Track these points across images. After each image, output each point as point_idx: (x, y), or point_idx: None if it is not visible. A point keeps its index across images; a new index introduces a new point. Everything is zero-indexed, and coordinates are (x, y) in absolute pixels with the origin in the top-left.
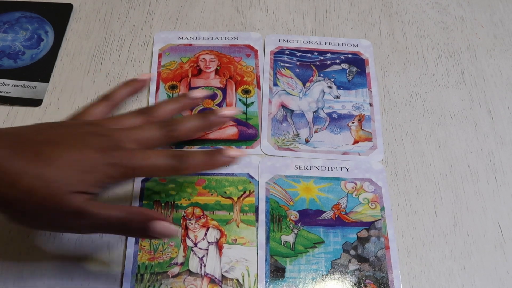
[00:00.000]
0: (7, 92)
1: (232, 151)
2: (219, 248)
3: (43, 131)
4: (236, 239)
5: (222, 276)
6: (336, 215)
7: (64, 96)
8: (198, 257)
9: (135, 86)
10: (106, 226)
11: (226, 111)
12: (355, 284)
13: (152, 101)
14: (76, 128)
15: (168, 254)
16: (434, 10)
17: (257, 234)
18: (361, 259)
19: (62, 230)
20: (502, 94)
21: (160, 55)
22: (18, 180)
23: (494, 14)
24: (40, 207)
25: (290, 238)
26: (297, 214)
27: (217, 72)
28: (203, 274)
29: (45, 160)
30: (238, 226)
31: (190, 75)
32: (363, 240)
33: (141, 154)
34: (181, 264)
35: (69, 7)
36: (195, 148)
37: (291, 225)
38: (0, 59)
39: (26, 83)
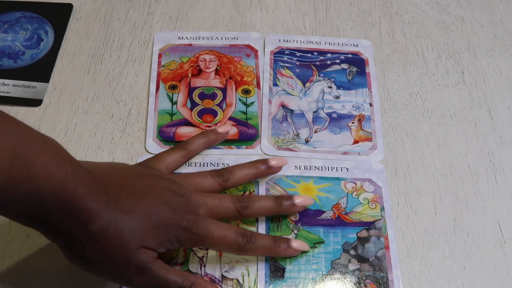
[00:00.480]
0: (7, 92)
1: (296, 242)
2: None
3: (125, 176)
4: None
5: (222, 276)
6: (336, 215)
7: (64, 96)
8: (198, 257)
9: (214, 138)
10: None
11: (301, 200)
12: (355, 284)
13: (152, 101)
14: (156, 181)
15: (168, 254)
16: (434, 10)
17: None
18: (361, 259)
19: (118, 281)
20: (502, 94)
21: (160, 55)
22: (92, 220)
23: (494, 14)
24: (106, 253)
25: (290, 238)
26: (297, 214)
27: (217, 72)
28: (203, 274)
29: (124, 207)
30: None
31: (190, 75)
32: (363, 240)
33: (215, 224)
34: (181, 264)
35: (69, 7)
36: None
37: (291, 225)
38: (0, 59)
39: (26, 83)
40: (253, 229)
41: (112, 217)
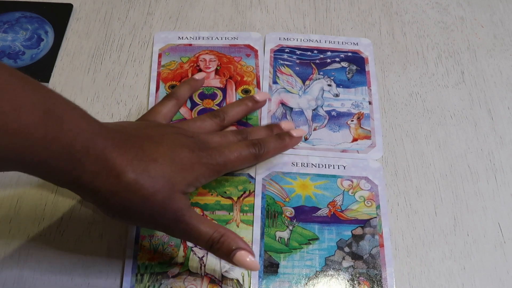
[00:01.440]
0: None
1: (295, 131)
2: None
3: (140, 129)
4: None
5: (222, 276)
6: (332, 212)
7: (64, 96)
8: (198, 257)
9: (194, 84)
10: (195, 238)
11: (298, 132)
12: (348, 281)
13: (152, 100)
14: (165, 129)
15: (168, 254)
16: (434, 10)
17: (252, 230)
18: (355, 256)
19: (157, 228)
20: (502, 94)
21: (160, 55)
22: (125, 172)
23: (494, 14)
24: (145, 202)
25: (285, 234)
26: (293, 210)
27: (217, 72)
28: (203, 274)
29: (150, 156)
30: (238, 226)
31: (190, 75)
32: (357, 238)
33: (227, 149)
34: (181, 264)
35: (69, 7)
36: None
37: (286, 222)
38: (0, 59)
39: None
40: (249, 229)
41: (143, 166)
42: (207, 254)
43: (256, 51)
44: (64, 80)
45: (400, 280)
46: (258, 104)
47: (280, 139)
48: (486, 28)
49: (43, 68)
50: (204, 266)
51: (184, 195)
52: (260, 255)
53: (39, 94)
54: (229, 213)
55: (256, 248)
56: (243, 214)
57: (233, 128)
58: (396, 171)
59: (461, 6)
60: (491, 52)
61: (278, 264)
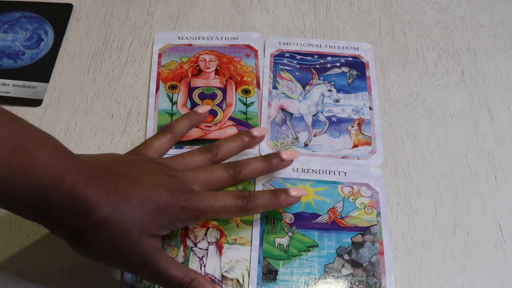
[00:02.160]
0: (7, 92)
1: (295, 190)
2: (219, 248)
3: (120, 164)
4: (236, 239)
5: (222, 276)
6: (332, 219)
7: (64, 96)
8: (198, 257)
9: (195, 119)
10: (164, 281)
11: (286, 155)
12: None
13: (152, 100)
14: (148, 166)
15: (168, 254)
16: (434, 10)
17: (251, 236)
18: (355, 264)
19: (124, 269)
20: (502, 94)
21: (160, 55)
22: (94, 211)
23: (494, 14)
24: (111, 242)
25: (284, 240)
26: (292, 217)
27: (217, 72)
28: (203, 274)
29: (123, 195)
30: (238, 226)
31: (190, 75)
32: (357, 245)
33: (211, 196)
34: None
35: (69, 7)
36: (195, 147)
37: (285, 228)
38: (0, 59)
39: (26, 83)
40: (249, 229)
41: (114, 205)
42: (207, 254)
43: (256, 51)
44: (64, 80)
45: (400, 280)
46: (255, 140)
47: (274, 195)
48: (486, 28)
49: (43, 68)
50: (204, 266)
51: (154, 238)
52: (259, 262)
53: (9, 129)
54: None
55: (255, 255)
56: None
57: (234, 129)
58: (396, 171)
59: (461, 6)
60: (491, 52)
61: (277, 271)
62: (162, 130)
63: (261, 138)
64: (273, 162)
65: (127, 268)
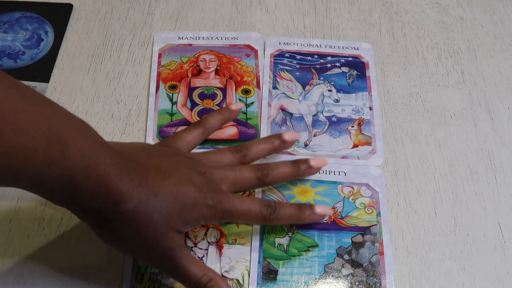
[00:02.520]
0: None
1: (320, 207)
2: (219, 248)
3: (151, 156)
4: (236, 239)
5: (222, 276)
6: (332, 219)
7: (64, 96)
8: (198, 257)
9: (227, 115)
10: (183, 278)
11: (315, 162)
12: None
13: (152, 101)
14: (179, 160)
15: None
16: (434, 10)
17: (251, 236)
18: (355, 264)
19: (146, 260)
20: (502, 94)
21: (160, 55)
22: (123, 201)
23: (494, 14)
24: (137, 234)
25: (284, 240)
26: None
27: (217, 72)
28: None
29: (153, 188)
30: (238, 226)
31: (190, 75)
32: (357, 245)
33: (238, 199)
34: None
35: (69, 7)
36: (195, 148)
37: (285, 228)
38: (0, 59)
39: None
40: (249, 229)
41: (143, 198)
42: (207, 254)
43: (256, 51)
44: (64, 80)
45: (400, 280)
46: (286, 144)
47: (299, 210)
48: (486, 28)
49: (43, 68)
50: None
51: (179, 234)
52: (259, 262)
53: (45, 115)
54: None
55: (255, 255)
56: None
57: (234, 129)
58: (396, 171)
59: (461, 6)
60: (491, 52)
61: (277, 271)
62: (195, 123)
63: (292, 142)
64: (301, 168)
65: (149, 261)
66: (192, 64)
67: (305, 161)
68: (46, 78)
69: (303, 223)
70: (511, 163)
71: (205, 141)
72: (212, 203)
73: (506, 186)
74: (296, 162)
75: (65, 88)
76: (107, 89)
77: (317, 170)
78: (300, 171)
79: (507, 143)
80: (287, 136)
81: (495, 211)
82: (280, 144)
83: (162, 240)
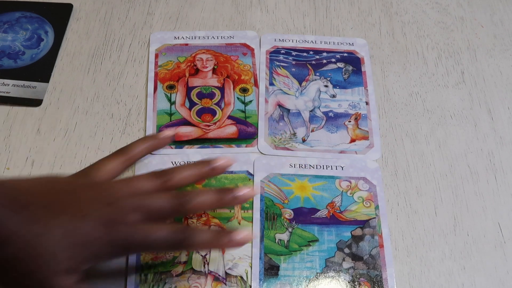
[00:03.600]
0: (7, 92)
1: (239, 234)
2: None
3: (50, 192)
4: None
5: (226, 273)
6: (331, 214)
7: (64, 96)
8: (201, 255)
9: (155, 143)
10: None
11: (245, 192)
12: (349, 282)
13: (150, 101)
14: (84, 192)
15: (171, 253)
16: (434, 10)
17: (252, 232)
18: (355, 257)
19: None
20: (502, 94)
21: (156, 55)
22: (6, 244)
23: (494, 14)
24: (22, 278)
25: (284, 236)
26: (292, 212)
27: (214, 71)
28: (206, 272)
29: (43, 227)
30: (239, 224)
31: (187, 74)
32: (357, 239)
33: (145, 229)
34: (185, 262)
35: (69, 7)
36: (195, 148)
37: (285, 223)
38: (0, 59)
39: (26, 83)
40: (250, 226)
41: (29, 238)
42: (209, 252)
43: (252, 50)
44: (64, 80)
45: (400, 280)
46: (216, 171)
47: (217, 236)
48: (486, 28)
49: (43, 68)
50: (208, 264)
51: (72, 274)
52: (260, 258)
53: None
54: (230, 211)
55: (256, 251)
56: (244, 212)
57: (233, 128)
58: (396, 171)
59: (461, 6)
60: (491, 52)
61: (279, 266)
62: (117, 151)
63: (224, 169)
64: (227, 197)
65: None
66: (189, 63)
67: (231, 190)
68: (46, 78)
69: (223, 249)
70: (511, 163)
71: (204, 140)
72: (114, 237)
73: (506, 186)
74: (222, 191)
75: (65, 88)
76: (107, 89)
77: (243, 201)
78: (226, 201)
79: (507, 143)
80: (218, 163)
81: (495, 211)
82: (209, 170)
83: (50, 283)
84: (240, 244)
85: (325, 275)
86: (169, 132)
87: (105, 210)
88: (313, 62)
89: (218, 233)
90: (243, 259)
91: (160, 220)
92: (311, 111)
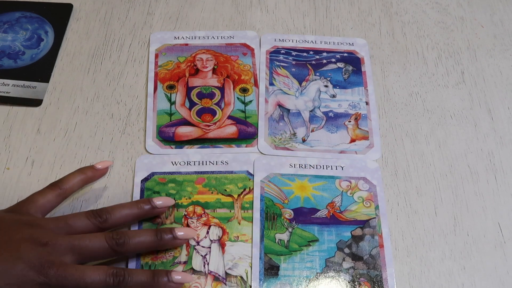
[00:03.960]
0: (7, 92)
1: (177, 275)
2: (222, 245)
3: None
4: (238, 236)
5: (226, 273)
6: (331, 214)
7: (64, 96)
8: (201, 255)
9: (91, 175)
10: None
11: (183, 233)
12: (349, 282)
13: (150, 101)
14: (15, 232)
15: (171, 253)
16: (434, 10)
17: (252, 232)
18: (355, 257)
19: None
20: (502, 94)
21: (156, 55)
22: None
23: (494, 14)
24: None
25: (284, 236)
26: (292, 212)
27: (214, 71)
28: (206, 272)
29: None
30: (239, 223)
31: (187, 74)
32: (357, 239)
33: (78, 271)
34: (185, 262)
35: (69, 7)
36: (195, 148)
37: (285, 223)
38: (0, 59)
39: (26, 83)
40: (248, 229)
41: None
42: (209, 252)
43: (252, 50)
44: (64, 80)
45: (400, 280)
46: (156, 210)
47: (153, 277)
48: (486, 28)
49: (43, 68)
50: (208, 264)
51: None
52: (260, 258)
53: None
54: (230, 211)
55: (256, 251)
56: (244, 211)
57: (233, 128)
58: (396, 171)
59: (461, 6)
60: (491, 52)
61: (279, 266)
62: (51, 184)
63: (164, 209)
64: (165, 238)
65: None
66: (189, 63)
67: (170, 230)
68: (46, 78)
69: None
70: (511, 163)
71: (204, 141)
72: (45, 279)
73: (506, 186)
74: (159, 232)
75: (65, 88)
76: (107, 89)
77: (183, 242)
78: (163, 241)
79: (507, 143)
80: (159, 202)
81: (495, 211)
82: (149, 209)
83: None
84: (178, 285)
85: (325, 275)
86: (105, 164)
87: (39, 250)
88: (313, 62)
89: (155, 274)
90: (243, 259)
91: (97, 260)
92: (311, 111)
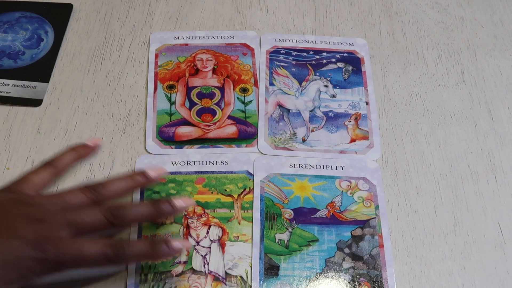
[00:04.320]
0: (7, 92)
1: (176, 242)
2: (222, 245)
3: None
4: (238, 236)
5: (226, 273)
6: (331, 214)
7: (64, 96)
8: (201, 255)
9: (82, 152)
10: None
11: (180, 202)
12: (349, 282)
13: (150, 101)
14: (10, 209)
15: None
16: (434, 10)
17: (252, 232)
18: (355, 257)
19: None
20: (502, 94)
21: (156, 55)
22: None
23: (494, 14)
24: None
25: (284, 236)
26: (292, 212)
27: (214, 71)
28: (206, 272)
29: None
30: (239, 223)
31: (187, 74)
32: (357, 239)
33: (75, 244)
34: (185, 262)
35: (69, 7)
36: (195, 148)
37: (285, 223)
38: (0, 59)
39: (26, 83)
40: (248, 229)
41: None
42: (209, 252)
43: (252, 50)
44: (64, 80)
45: (400, 280)
46: (150, 181)
47: (152, 246)
48: (486, 28)
49: (43, 68)
50: (208, 264)
51: None
52: (260, 258)
53: None
54: (230, 211)
55: (256, 251)
56: (244, 211)
57: (233, 128)
58: (396, 171)
59: (461, 6)
60: (491, 52)
61: (279, 266)
62: (43, 163)
63: (157, 179)
64: (163, 208)
65: None
66: (189, 63)
67: (168, 201)
68: (46, 78)
69: (157, 260)
70: (511, 163)
71: (204, 140)
72: (42, 255)
73: (506, 186)
74: (157, 203)
75: (65, 88)
76: (107, 89)
77: (182, 210)
78: (162, 212)
79: (507, 143)
80: (152, 173)
81: (495, 211)
82: (144, 181)
83: None
84: (177, 252)
85: (325, 275)
86: (95, 141)
87: (35, 227)
88: (313, 62)
89: (154, 243)
90: (243, 259)
91: (94, 234)
92: (311, 111)
